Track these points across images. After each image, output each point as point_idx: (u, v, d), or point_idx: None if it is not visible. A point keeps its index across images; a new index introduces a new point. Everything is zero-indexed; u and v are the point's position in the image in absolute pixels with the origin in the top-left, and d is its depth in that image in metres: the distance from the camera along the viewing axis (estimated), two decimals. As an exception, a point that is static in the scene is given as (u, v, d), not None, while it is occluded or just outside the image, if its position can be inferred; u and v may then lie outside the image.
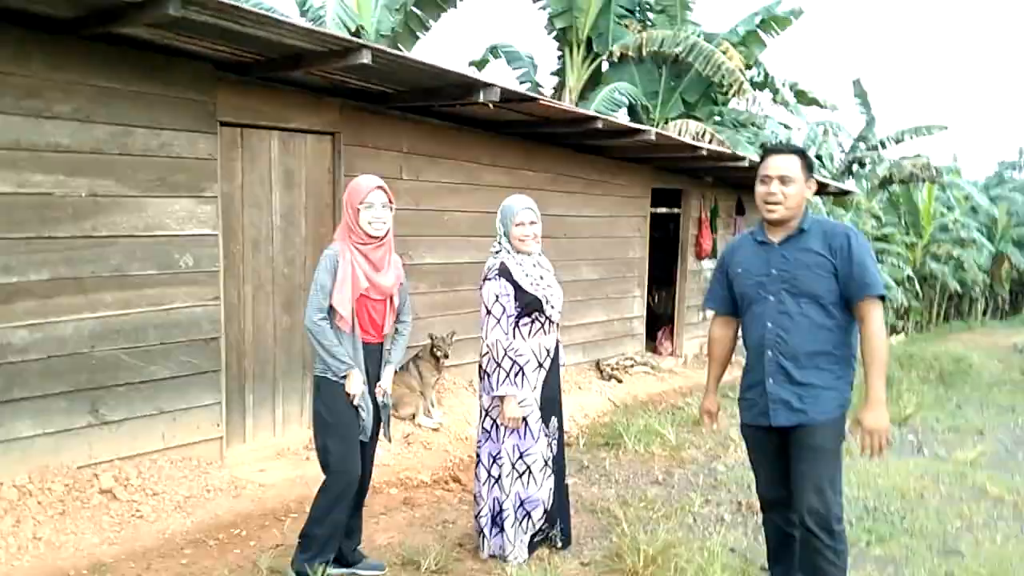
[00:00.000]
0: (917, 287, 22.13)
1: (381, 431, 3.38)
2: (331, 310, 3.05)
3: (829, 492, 2.84)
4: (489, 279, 3.55)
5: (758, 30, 13.84)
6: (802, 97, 15.13)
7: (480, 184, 6.48)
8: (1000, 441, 6.24)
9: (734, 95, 12.90)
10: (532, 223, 3.64)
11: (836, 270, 2.79)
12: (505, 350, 3.49)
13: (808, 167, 2.91)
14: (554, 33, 14.59)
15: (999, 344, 20.50)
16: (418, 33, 13.99)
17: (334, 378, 3.10)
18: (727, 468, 5.23)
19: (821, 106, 15.30)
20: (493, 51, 15.64)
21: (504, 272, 3.54)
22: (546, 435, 3.67)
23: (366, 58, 4.17)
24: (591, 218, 7.82)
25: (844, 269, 2.78)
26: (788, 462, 2.96)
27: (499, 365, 3.49)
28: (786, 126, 16.34)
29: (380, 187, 3.11)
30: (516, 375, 3.55)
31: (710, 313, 3.45)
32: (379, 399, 3.29)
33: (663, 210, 9.52)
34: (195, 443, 4.72)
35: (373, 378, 3.24)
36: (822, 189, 10.51)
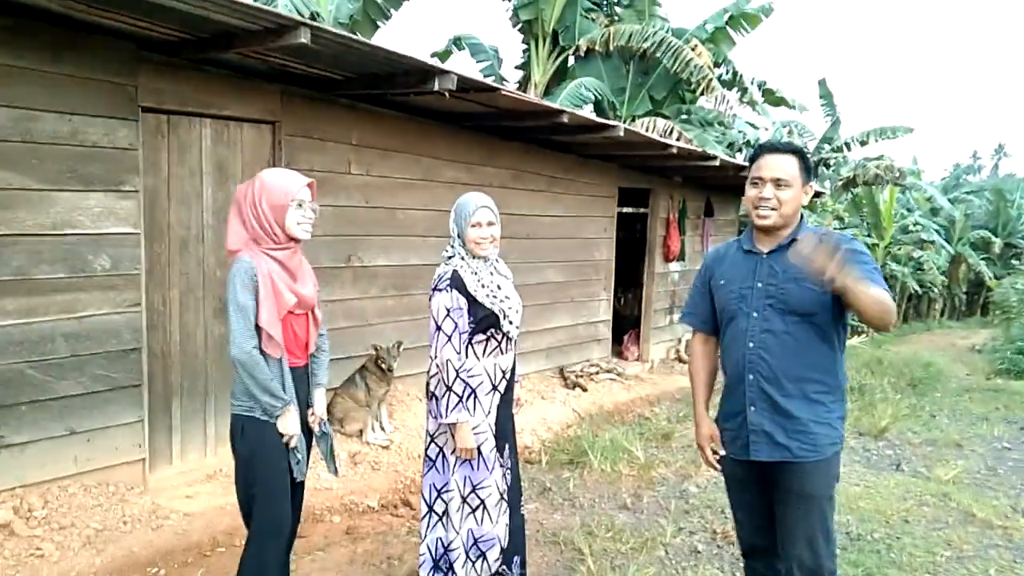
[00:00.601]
0: (879, 288, 22.12)
1: (325, 464, 2.91)
2: (258, 332, 2.55)
3: (822, 545, 2.47)
4: (439, 290, 3.11)
5: (727, 27, 13.60)
6: (770, 96, 14.93)
7: (437, 181, 6.04)
8: (979, 456, 5.99)
9: (702, 93, 12.62)
10: (490, 224, 3.21)
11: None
12: (457, 371, 3.06)
13: (807, 169, 2.53)
14: (519, 25, 14.19)
15: (957, 344, 20.71)
16: (378, 22, 13.46)
17: (263, 417, 2.61)
18: (699, 489, 4.87)
19: (789, 106, 15.13)
20: (456, 42, 15.20)
21: (456, 282, 3.11)
22: (501, 465, 3.26)
23: (304, 37, 3.70)
24: (556, 218, 7.42)
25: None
26: (772, 505, 2.58)
27: (450, 388, 3.06)
28: (753, 126, 16.17)
29: (310, 184, 2.67)
30: (469, 399, 3.13)
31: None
32: (316, 430, 2.83)
33: (630, 210, 9.18)
34: (113, 466, 4.21)
35: (303, 405, 2.78)
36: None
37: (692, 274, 9.91)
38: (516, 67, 15.08)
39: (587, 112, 12.82)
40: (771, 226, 2.51)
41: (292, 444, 2.63)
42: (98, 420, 4.13)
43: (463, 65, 24.54)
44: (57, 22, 3.77)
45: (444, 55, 15.33)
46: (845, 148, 19.52)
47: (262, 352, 2.56)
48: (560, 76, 14.18)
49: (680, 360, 9.48)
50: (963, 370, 13.64)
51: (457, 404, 3.06)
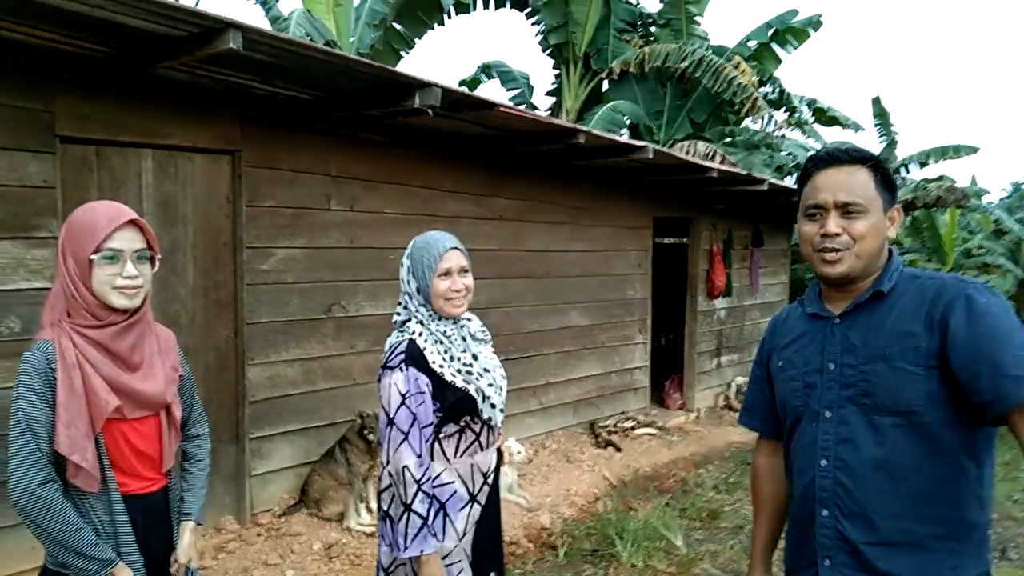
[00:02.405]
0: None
1: None
2: (57, 459, 1.71)
3: None
4: (390, 367, 2.26)
5: (772, 43, 12.68)
6: (821, 115, 13.90)
7: (439, 215, 5.23)
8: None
9: (747, 114, 11.66)
10: (463, 271, 2.34)
11: (945, 362, 1.52)
12: (418, 483, 2.19)
13: (888, 185, 1.67)
14: (549, 50, 13.50)
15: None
16: (401, 51, 12.96)
17: None
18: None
19: (843, 125, 14.07)
20: (485, 70, 14.59)
21: (414, 357, 2.26)
22: (480, 604, 2.38)
23: (234, 42, 2.95)
24: (580, 253, 6.55)
25: (963, 358, 1.49)
26: None
27: (408, 507, 2.18)
28: (804, 148, 15.11)
29: (133, 221, 1.80)
30: (436, 518, 2.27)
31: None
32: None
33: (670, 240, 8.27)
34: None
35: (160, 549, 1.92)
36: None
37: (740, 312, 8.94)
38: (547, 93, 14.36)
39: (623, 137, 12.00)
40: (845, 275, 1.65)
41: None
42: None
43: (494, 93, 23.99)
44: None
45: (473, 83, 14.72)
46: (903, 169, 18.28)
47: (67, 486, 1.73)
48: (593, 101, 13.40)
49: (730, 408, 8.44)
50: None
51: (420, 530, 2.18)
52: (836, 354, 1.66)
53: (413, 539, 2.17)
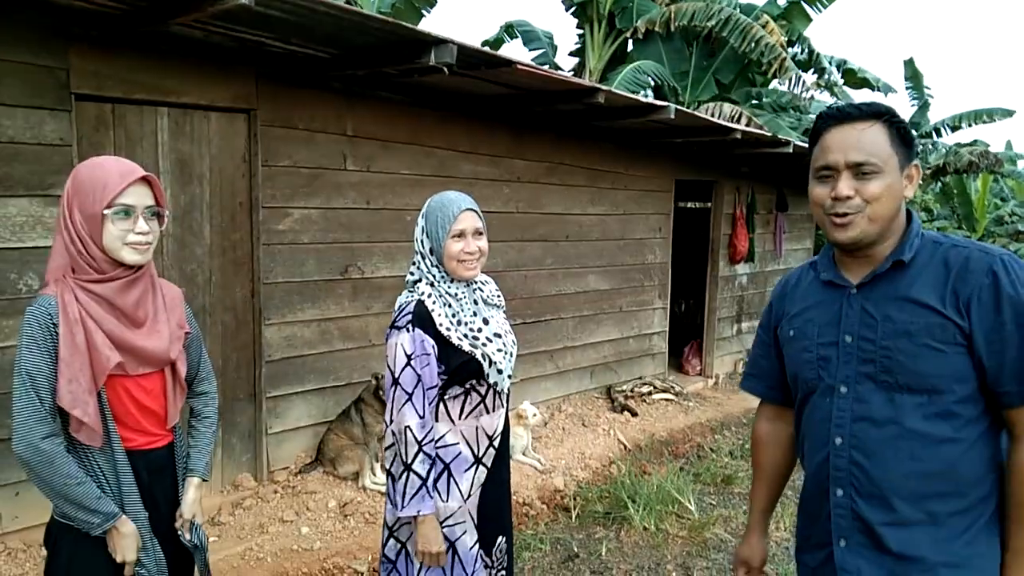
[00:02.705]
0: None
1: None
2: (59, 413, 1.72)
3: None
4: (398, 327, 2.26)
5: (802, 2, 12.34)
6: (851, 77, 13.56)
7: (456, 176, 5.18)
8: None
9: (775, 75, 11.37)
10: (478, 233, 2.32)
11: (970, 340, 1.47)
12: (419, 443, 2.20)
13: (905, 141, 1.56)
14: (573, 8, 13.24)
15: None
16: (423, 10, 12.76)
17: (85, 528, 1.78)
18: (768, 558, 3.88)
19: (873, 88, 13.70)
20: (508, 30, 14.36)
21: (421, 318, 2.25)
22: (487, 566, 2.39)
23: (246, -4, 2.90)
24: (600, 216, 6.48)
25: (989, 341, 1.45)
26: None
27: (408, 467, 2.20)
28: (833, 110, 14.77)
29: (145, 178, 1.79)
30: (439, 479, 2.28)
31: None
32: (185, 540, 1.97)
33: (692, 205, 8.16)
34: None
35: (165, 505, 1.94)
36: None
37: (763, 278, 8.84)
38: (570, 53, 14.13)
39: (647, 98, 11.81)
40: (858, 240, 1.56)
41: (128, 573, 1.80)
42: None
43: (517, 53, 23.64)
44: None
45: (496, 43, 14.51)
46: (935, 133, 17.84)
47: (70, 440, 1.74)
48: (618, 61, 13.17)
49: (748, 374, 8.40)
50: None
51: (418, 490, 2.20)
52: (854, 326, 1.57)
53: (411, 499, 2.19)
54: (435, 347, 2.23)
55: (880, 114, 1.55)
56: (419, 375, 2.20)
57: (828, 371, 1.61)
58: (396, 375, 2.21)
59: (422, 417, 2.20)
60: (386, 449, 2.33)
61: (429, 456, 2.23)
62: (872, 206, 1.52)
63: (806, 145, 7.41)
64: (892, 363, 1.51)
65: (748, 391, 1.94)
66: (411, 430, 2.19)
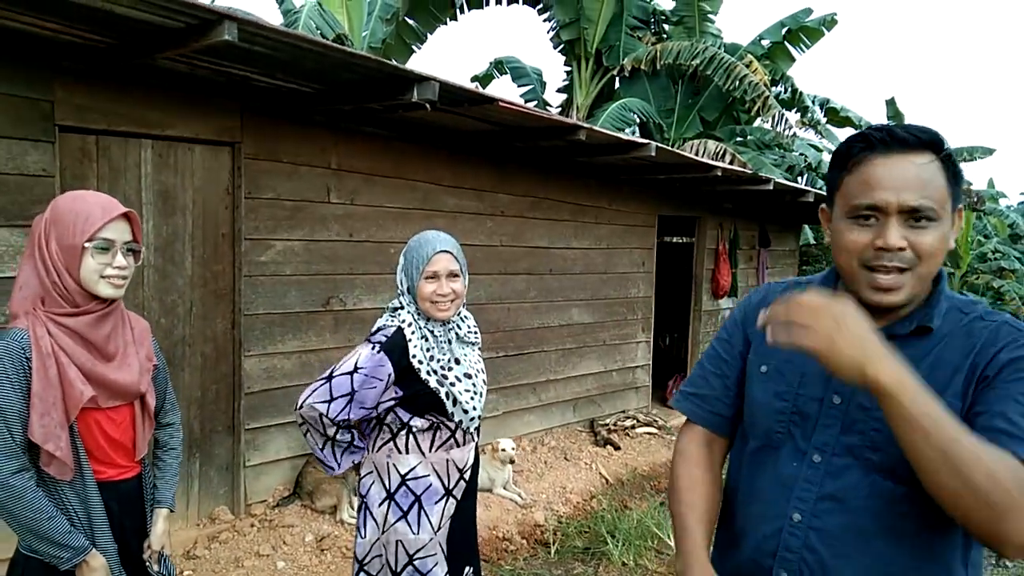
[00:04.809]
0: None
1: None
2: (30, 448, 1.71)
3: None
4: (369, 341, 2.28)
5: (786, 42, 12.60)
6: (834, 116, 13.78)
7: (440, 210, 5.24)
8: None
9: (758, 113, 11.57)
10: (452, 276, 2.33)
11: (968, 403, 1.23)
12: (335, 421, 2.26)
13: (955, 178, 1.26)
14: (561, 46, 13.46)
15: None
16: (413, 46, 12.97)
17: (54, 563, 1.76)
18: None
19: (856, 126, 13.92)
20: (498, 66, 14.57)
21: (395, 347, 2.26)
22: (456, 598, 2.39)
23: (229, 33, 2.96)
24: (583, 250, 6.54)
25: (982, 399, 1.21)
26: None
27: (331, 438, 2.34)
28: (816, 148, 15.03)
29: (126, 214, 1.81)
30: (409, 512, 2.31)
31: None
32: (154, 572, 1.96)
33: (676, 240, 8.24)
34: None
35: (133, 537, 1.93)
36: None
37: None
38: (558, 90, 14.33)
39: (633, 135, 11.95)
40: (901, 305, 1.28)
41: None
42: None
43: (506, 90, 23.93)
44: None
45: (486, 79, 14.72)
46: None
47: (40, 475, 1.73)
48: (605, 98, 13.37)
49: (732, 409, 8.41)
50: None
51: (347, 448, 2.39)
52: (847, 387, 1.25)
53: (342, 456, 2.36)
54: (392, 376, 2.24)
55: (939, 145, 1.25)
56: (354, 389, 2.21)
57: (803, 431, 1.34)
58: (334, 373, 2.24)
59: (333, 420, 2.23)
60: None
61: (348, 429, 2.34)
62: (925, 263, 1.23)
63: (786, 182, 7.44)
64: (884, 441, 1.23)
65: (685, 413, 1.56)
66: (325, 416, 2.23)
